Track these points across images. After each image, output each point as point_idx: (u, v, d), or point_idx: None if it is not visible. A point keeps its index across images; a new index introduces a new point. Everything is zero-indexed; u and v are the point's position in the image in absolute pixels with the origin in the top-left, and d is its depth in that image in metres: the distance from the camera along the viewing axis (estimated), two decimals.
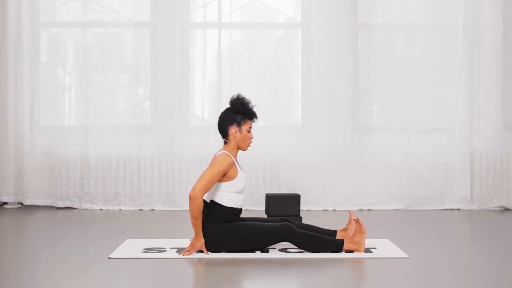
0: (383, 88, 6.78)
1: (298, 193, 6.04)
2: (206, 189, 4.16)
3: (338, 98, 6.70)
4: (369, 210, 6.64)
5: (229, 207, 4.27)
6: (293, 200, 5.19)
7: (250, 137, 4.36)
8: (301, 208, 5.97)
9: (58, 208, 6.66)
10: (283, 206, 5.18)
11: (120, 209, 6.62)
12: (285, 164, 6.69)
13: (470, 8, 6.63)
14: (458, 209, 6.65)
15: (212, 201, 4.29)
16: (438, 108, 6.77)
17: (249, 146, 4.40)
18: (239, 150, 4.40)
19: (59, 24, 6.85)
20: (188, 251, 4.23)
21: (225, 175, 4.25)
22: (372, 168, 6.71)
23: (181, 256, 4.21)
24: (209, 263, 4.08)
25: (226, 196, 4.28)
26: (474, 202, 6.69)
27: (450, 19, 6.74)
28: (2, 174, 6.72)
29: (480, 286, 3.58)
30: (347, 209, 6.48)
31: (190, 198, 4.12)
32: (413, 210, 6.63)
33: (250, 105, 4.37)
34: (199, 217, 4.16)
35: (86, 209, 6.61)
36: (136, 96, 6.79)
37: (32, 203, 6.69)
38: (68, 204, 6.67)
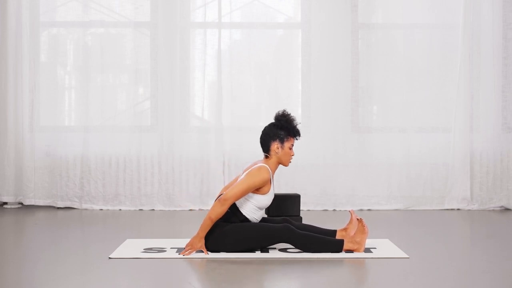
0: (383, 88, 6.78)
1: (298, 193, 6.04)
2: (238, 199, 4.19)
3: (338, 98, 6.70)
4: (369, 210, 6.64)
5: (244, 215, 4.28)
6: (293, 200, 5.19)
7: (291, 154, 4.37)
8: (301, 208, 5.97)
9: (58, 208, 6.66)
10: (283, 206, 5.18)
11: (120, 209, 6.62)
12: None
13: (470, 8, 6.63)
14: (458, 209, 6.65)
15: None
16: (438, 108, 6.77)
17: (290, 162, 4.41)
18: (279, 166, 4.42)
19: (59, 24, 6.85)
20: (187, 251, 4.23)
21: (258, 188, 4.26)
22: (372, 168, 6.71)
23: (181, 256, 4.21)
24: (209, 263, 4.08)
25: (248, 206, 4.28)
26: (474, 202, 6.69)
27: (450, 19, 6.74)
28: (2, 174, 6.72)
29: (480, 286, 3.58)
30: (348, 209, 6.49)
31: (220, 201, 4.14)
32: (413, 210, 6.63)
33: (295, 122, 4.37)
34: (215, 221, 4.18)
35: (86, 209, 6.61)
36: (136, 96, 6.79)
37: (32, 203, 6.69)
38: (68, 204, 6.67)
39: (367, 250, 4.38)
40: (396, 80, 6.75)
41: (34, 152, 6.67)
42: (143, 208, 6.65)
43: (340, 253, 4.28)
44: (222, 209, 4.15)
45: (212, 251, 4.28)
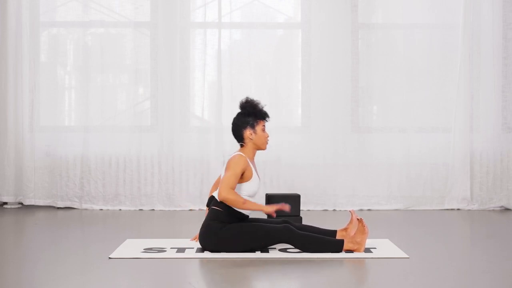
0: (383, 88, 6.78)
1: (298, 193, 6.04)
2: (231, 188, 4.19)
3: (338, 98, 6.70)
4: (369, 210, 6.64)
5: (238, 211, 4.28)
6: (293, 200, 5.19)
7: (266, 136, 4.43)
8: (301, 208, 5.97)
9: (58, 208, 6.66)
10: None
11: (120, 209, 6.62)
12: (285, 164, 6.69)
13: (470, 8, 6.63)
14: (458, 209, 6.65)
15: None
16: (438, 108, 6.77)
17: (267, 144, 4.47)
18: (257, 152, 4.47)
19: (59, 24, 6.85)
20: (279, 207, 4.25)
21: (242, 175, 4.28)
22: (372, 168, 6.71)
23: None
24: (209, 263, 4.08)
25: None
26: (474, 202, 6.69)
27: (450, 19, 6.74)
28: (2, 174, 6.72)
29: (480, 286, 3.58)
30: (348, 209, 6.49)
31: (225, 194, 4.16)
32: (413, 210, 6.63)
33: (260, 105, 4.45)
34: (246, 201, 4.20)
35: (86, 209, 6.61)
36: (136, 96, 6.79)
37: (32, 203, 6.69)
38: (68, 204, 6.67)
39: (367, 250, 4.38)
40: (396, 80, 6.75)
41: (34, 152, 6.67)
42: (143, 208, 6.65)
43: (340, 253, 4.28)
44: (231, 199, 4.16)
45: (212, 251, 4.28)
